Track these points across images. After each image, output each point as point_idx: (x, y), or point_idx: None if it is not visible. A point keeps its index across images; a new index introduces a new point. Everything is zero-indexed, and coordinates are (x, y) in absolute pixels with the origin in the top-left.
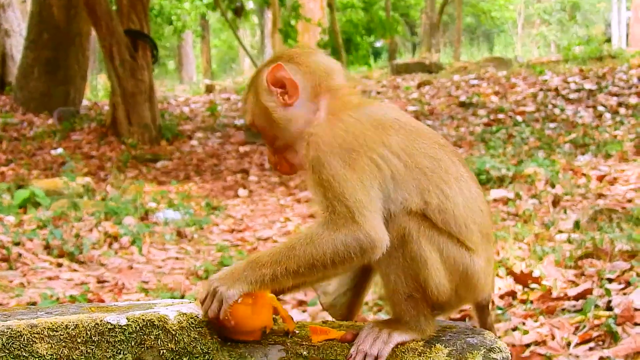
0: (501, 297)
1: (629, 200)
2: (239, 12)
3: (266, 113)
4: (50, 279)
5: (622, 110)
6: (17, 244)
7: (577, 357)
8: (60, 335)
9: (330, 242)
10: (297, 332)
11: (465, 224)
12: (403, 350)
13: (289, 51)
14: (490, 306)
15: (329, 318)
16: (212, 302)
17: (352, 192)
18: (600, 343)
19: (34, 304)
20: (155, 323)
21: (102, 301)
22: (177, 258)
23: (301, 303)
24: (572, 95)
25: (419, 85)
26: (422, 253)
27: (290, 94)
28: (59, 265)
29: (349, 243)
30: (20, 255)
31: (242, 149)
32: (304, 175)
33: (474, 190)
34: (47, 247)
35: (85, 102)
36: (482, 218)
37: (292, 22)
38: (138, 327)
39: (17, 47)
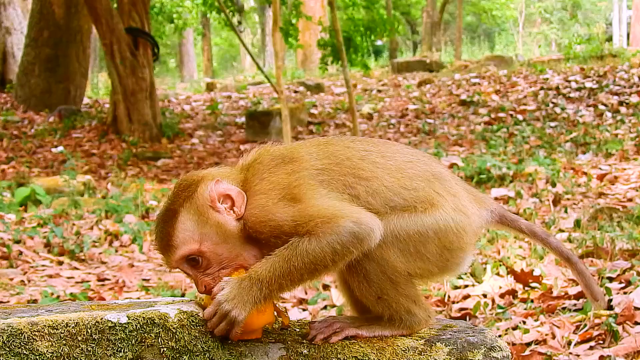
0: (502, 296)
1: (630, 199)
2: (239, 11)
3: (220, 229)
4: (50, 277)
5: (623, 109)
6: (17, 242)
7: (578, 356)
8: (61, 333)
9: (325, 246)
10: (290, 326)
11: (404, 187)
12: (403, 348)
13: (204, 171)
14: (506, 215)
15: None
16: (220, 323)
17: (317, 206)
18: (601, 342)
19: (34, 302)
20: (155, 321)
21: (103, 299)
22: None
23: (301, 302)
24: (573, 94)
25: (420, 84)
26: (377, 254)
27: (238, 204)
28: (60, 263)
29: (344, 239)
30: (20, 253)
31: (242, 147)
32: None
33: (389, 152)
34: (48, 245)
35: (86, 100)
36: (417, 168)
37: (293, 21)
38: (138, 325)
39: (18, 44)
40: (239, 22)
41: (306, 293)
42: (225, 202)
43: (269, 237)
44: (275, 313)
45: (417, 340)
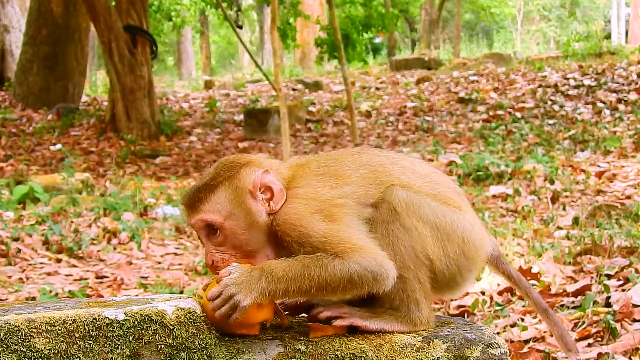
0: (500, 293)
1: (628, 197)
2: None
3: (248, 216)
4: (49, 274)
5: (622, 107)
6: (16, 239)
7: (578, 353)
8: (58, 330)
9: (345, 271)
10: (293, 326)
11: (431, 185)
12: (401, 345)
13: (255, 156)
14: (502, 256)
15: None
16: (223, 305)
17: (350, 234)
18: (599, 339)
19: (32, 299)
20: (153, 318)
21: (101, 296)
22: (175, 254)
23: None
24: (572, 92)
25: (418, 82)
26: (412, 222)
27: (276, 200)
28: (58, 260)
29: (364, 273)
30: (19, 250)
31: (241, 144)
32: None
33: (415, 162)
34: (46, 243)
35: (84, 98)
36: (441, 177)
37: (291, 20)
38: (136, 322)
39: (16, 42)
40: (238, 22)
41: None
42: (265, 193)
43: (293, 242)
44: (276, 315)
45: (415, 337)
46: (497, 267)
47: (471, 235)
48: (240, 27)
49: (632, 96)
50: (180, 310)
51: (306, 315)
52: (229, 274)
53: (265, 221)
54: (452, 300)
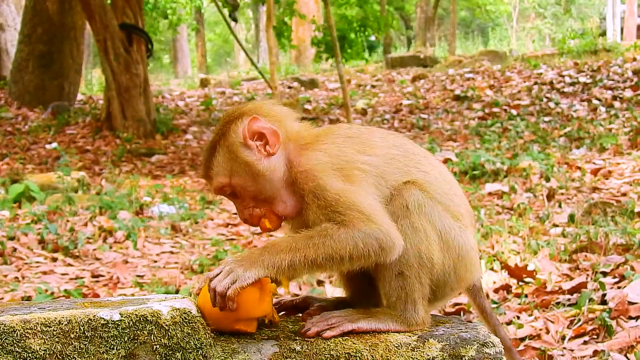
0: (496, 291)
1: (624, 194)
2: (235, 7)
3: (248, 168)
4: (44, 273)
5: (617, 104)
6: (11, 238)
7: (572, 350)
8: (54, 330)
9: (351, 238)
10: (278, 324)
11: (450, 197)
12: (396, 345)
13: (250, 105)
14: (481, 290)
15: None
16: (224, 279)
17: (362, 200)
18: (595, 337)
19: (28, 298)
20: (148, 318)
21: (97, 295)
22: (171, 252)
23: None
24: (567, 89)
25: (414, 79)
26: (421, 223)
27: (272, 143)
28: (54, 259)
29: (369, 241)
30: (14, 249)
31: None
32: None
33: (442, 167)
34: (42, 242)
35: (79, 96)
36: (459, 190)
37: (286, 19)
38: (131, 323)
39: (11, 41)
40: (234, 17)
41: (300, 289)
42: (259, 139)
43: (309, 192)
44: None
45: (410, 336)
46: (474, 298)
47: (467, 256)
48: (236, 21)
49: (628, 93)
50: (175, 311)
51: (301, 315)
52: (230, 257)
53: (270, 166)
54: None
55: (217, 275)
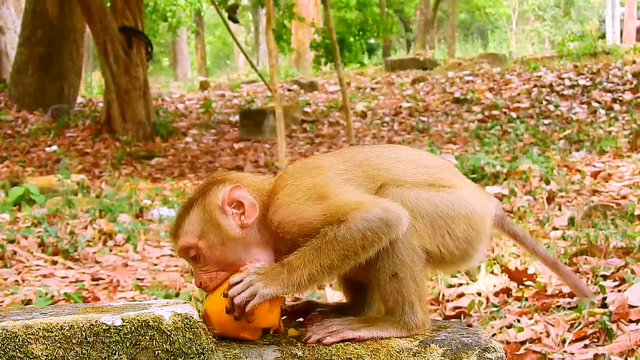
0: (496, 294)
1: (624, 197)
2: (234, 10)
3: (218, 231)
4: (45, 276)
5: (617, 107)
6: (11, 241)
7: (572, 354)
8: (55, 336)
9: (355, 231)
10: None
11: (422, 172)
12: (398, 350)
13: (232, 175)
14: (506, 216)
15: None
16: (243, 291)
17: (345, 197)
18: (595, 340)
19: (28, 301)
20: (150, 324)
21: (97, 299)
22: (171, 255)
23: (296, 301)
24: (567, 92)
25: (414, 82)
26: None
27: (247, 215)
28: (54, 262)
29: (373, 225)
30: (14, 253)
31: (236, 145)
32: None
33: (399, 150)
34: (42, 245)
35: (79, 99)
36: (428, 159)
37: (286, 22)
38: (133, 328)
39: (11, 44)
40: (235, 19)
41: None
42: (237, 208)
43: (297, 237)
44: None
45: (411, 341)
46: (502, 228)
47: (474, 209)
48: (236, 22)
49: (627, 96)
50: (177, 316)
51: (303, 320)
52: (253, 264)
53: (241, 234)
54: (447, 301)
55: (237, 284)
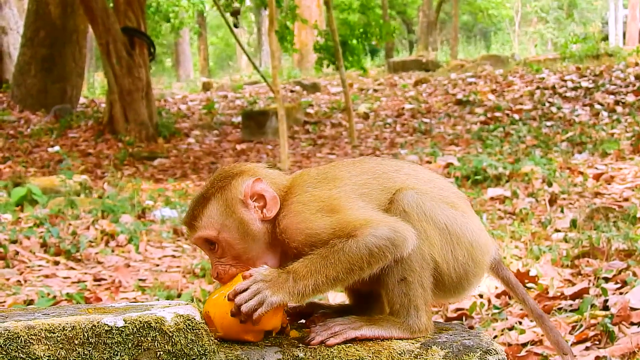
0: (497, 296)
1: (626, 199)
2: (235, 15)
3: (241, 226)
4: (47, 277)
5: (619, 109)
6: (14, 242)
7: (574, 356)
8: (58, 336)
9: (363, 247)
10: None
11: (438, 190)
12: (399, 352)
13: (249, 166)
14: (501, 262)
15: None
16: (251, 299)
17: (356, 214)
18: (597, 342)
19: (31, 302)
20: (152, 325)
21: (99, 299)
22: (174, 256)
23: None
24: (569, 94)
25: (416, 83)
26: (421, 224)
27: (269, 207)
28: (56, 263)
29: (381, 242)
30: (17, 253)
31: (239, 146)
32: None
33: (417, 168)
34: (44, 245)
35: (82, 100)
36: (444, 182)
37: (289, 23)
38: (135, 329)
39: (14, 44)
40: (237, 24)
41: None
42: (258, 201)
43: (302, 246)
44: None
45: (413, 343)
46: (496, 273)
47: (479, 240)
48: (237, 27)
49: (630, 98)
50: (179, 317)
51: (305, 321)
52: (258, 271)
53: (261, 229)
54: (449, 303)
55: (244, 291)
